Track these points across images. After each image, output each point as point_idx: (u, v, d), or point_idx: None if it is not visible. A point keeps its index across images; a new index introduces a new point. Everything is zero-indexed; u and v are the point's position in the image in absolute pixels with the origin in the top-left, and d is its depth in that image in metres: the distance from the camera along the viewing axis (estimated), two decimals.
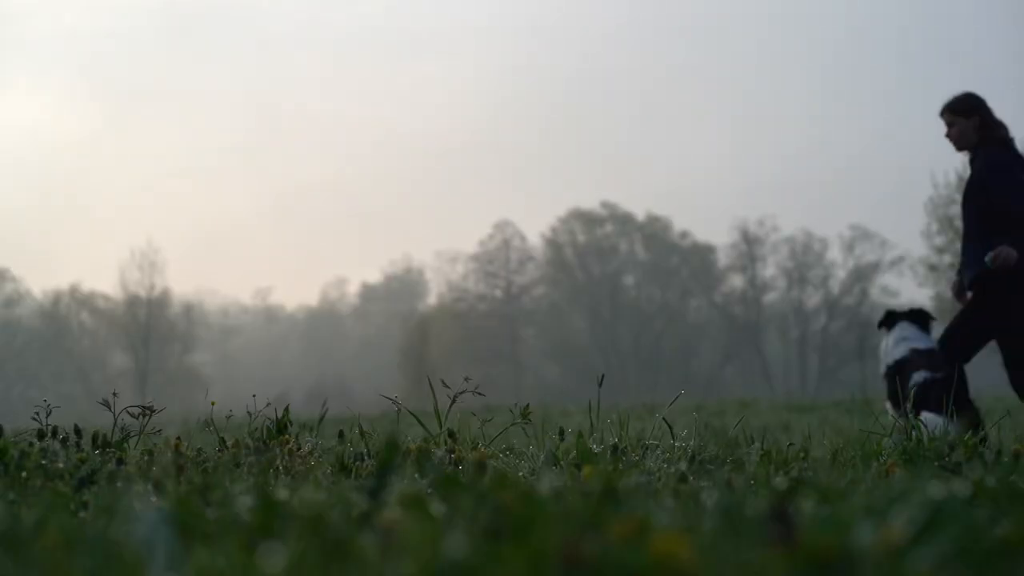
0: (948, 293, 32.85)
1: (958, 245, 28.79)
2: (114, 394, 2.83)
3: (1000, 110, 5.25)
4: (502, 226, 57.22)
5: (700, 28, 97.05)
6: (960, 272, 5.26)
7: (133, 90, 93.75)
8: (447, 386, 3.85)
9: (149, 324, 50.37)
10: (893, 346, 5.32)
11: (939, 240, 30.59)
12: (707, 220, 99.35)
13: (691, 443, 3.15)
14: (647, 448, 2.86)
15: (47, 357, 53.29)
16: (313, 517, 1.19)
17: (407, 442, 2.99)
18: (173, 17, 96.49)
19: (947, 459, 2.48)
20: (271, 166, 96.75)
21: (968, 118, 5.09)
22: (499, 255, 56.91)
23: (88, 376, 53.98)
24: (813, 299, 57.78)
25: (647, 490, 1.72)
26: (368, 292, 75.03)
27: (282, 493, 1.37)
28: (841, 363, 53.14)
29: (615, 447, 2.63)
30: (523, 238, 57.29)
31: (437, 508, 1.23)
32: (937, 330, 5.47)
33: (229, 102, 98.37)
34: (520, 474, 2.41)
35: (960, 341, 5.09)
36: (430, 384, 4.33)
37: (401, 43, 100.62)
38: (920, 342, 5.29)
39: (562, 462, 2.52)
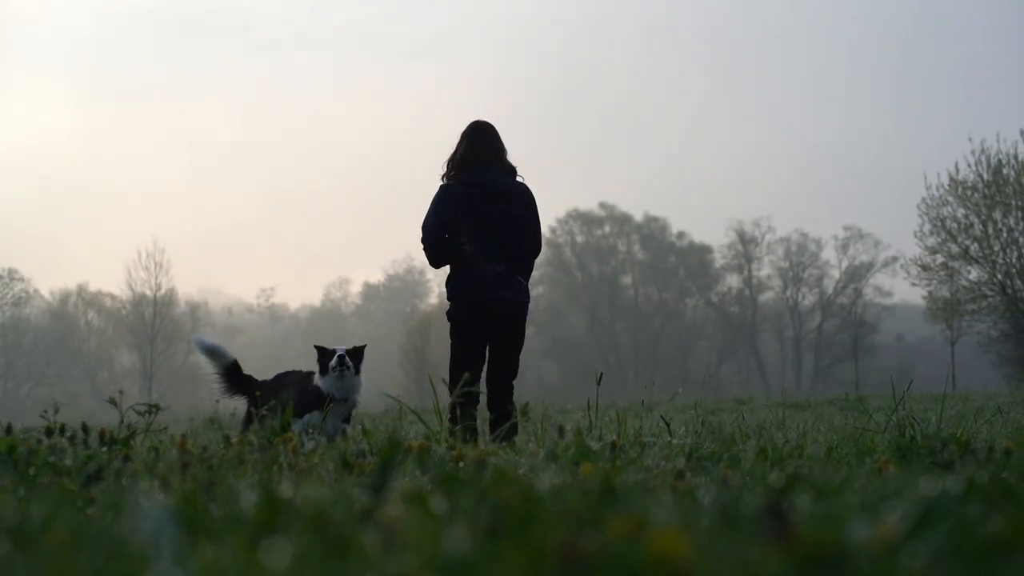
0: (940, 293, 32.48)
1: (951, 245, 28.60)
2: (120, 392, 2.84)
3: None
4: None
5: (698, 31, 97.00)
6: None
7: (140, 91, 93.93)
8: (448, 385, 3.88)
9: (155, 323, 50.42)
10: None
11: (931, 240, 30.60)
12: (704, 221, 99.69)
13: (688, 440, 3.17)
14: (645, 445, 2.88)
15: (55, 356, 53.43)
16: (316, 514, 1.20)
17: (408, 439, 3.00)
18: (179, 19, 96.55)
19: (940, 455, 2.49)
20: (275, 167, 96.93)
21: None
22: None
23: (95, 374, 54.14)
24: (808, 299, 57.97)
25: (645, 487, 1.74)
26: (370, 292, 75.08)
27: (285, 490, 1.38)
28: (835, 362, 53.22)
29: (613, 444, 2.64)
30: None
31: (438, 505, 1.25)
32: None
33: (233, 103, 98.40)
34: (520, 471, 2.42)
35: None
36: (431, 382, 4.35)
37: (402, 45, 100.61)
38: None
39: (561, 459, 2.53)
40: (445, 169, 5.38)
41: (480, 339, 5.22)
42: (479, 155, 5.29)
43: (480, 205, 5.20)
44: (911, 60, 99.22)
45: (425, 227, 5.24)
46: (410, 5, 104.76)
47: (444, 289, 5.40)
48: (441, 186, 5.32)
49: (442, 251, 5.25)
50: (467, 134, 5.37)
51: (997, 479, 1.59)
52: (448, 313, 5.30)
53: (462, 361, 5.17)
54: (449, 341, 5.32)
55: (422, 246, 5.29)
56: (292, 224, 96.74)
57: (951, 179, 30.00)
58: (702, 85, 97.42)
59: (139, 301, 51.36)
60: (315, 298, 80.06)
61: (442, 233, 5.21)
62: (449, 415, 4.26)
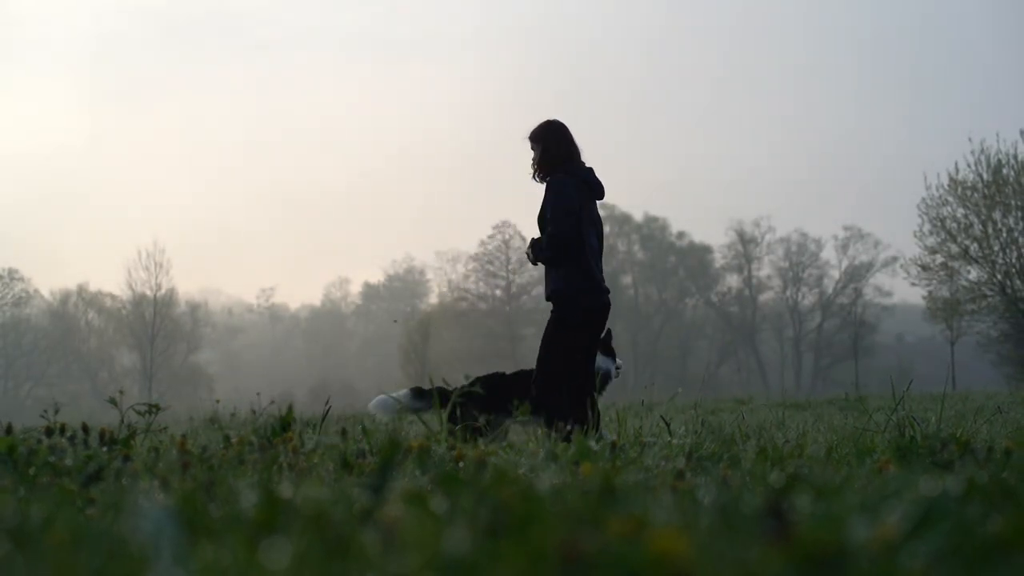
0: (940, 293, 32.30)
1: (950, 245, 28.61)
2: (120, 392, 2.85)
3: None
4: (502, 227, 57.27)
5: (699, 32, 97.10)
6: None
7: (140, 91, 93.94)
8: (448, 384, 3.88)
9: (155, 323, 50.52)
10: None
11: (931, 240, 30.63)
12: (704, 221, 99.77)
13: (688, 440, 3.17)
14: (645, 445, 2.88)
15: (55, 356, 53.46)
16: (316, 514, 1.20)
17: (408, 439, 3.00)
18: (180, 20, 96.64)
19: (940, 455, 2.49)
20: (275, 167, 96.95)
21: (537, 144, 5.25)
22: (499, 255, 56.86)
23: (95, 374, 54.14)
24: (808, 299, 58.03)
25: (645, 487, 1.74)
26: (370, 291, 75.10)
27: (285, 490, 1.38)
28: (835, 361, 53.27)
29: (613, 444, 2.64)
30: (523, 238, 57.25)
31: (438, 505, 1.25)
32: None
33: (233, 103, 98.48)
34: (520, 471, 2.42)
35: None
36: (431, 382, 4.35)
37: (403, 46, 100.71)
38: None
39: (561, 459, 2.54)
40: (538, 168, 5.22)
41: (587, 337, 5.12)
42: (574, 152, 5.21)
43: (587, 203, 5.14)
44: (911, 60, 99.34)
45: (562, 218, 4.97)
46: (411, 5, 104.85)
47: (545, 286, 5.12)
48: (562, 178, 5.07)
49: (573, 245, 5.00)
50: (555, 132, 5.24)
51: (997, 479, 1.59)
52: (562, 311, 5.11)
53: (571, 359, 5.06)
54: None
55: (555, 239, 4.98)
56: (292, 224, 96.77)
57: (951, 179, 30.04)
58: (702, 85, 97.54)
59: (139, 301, 51.44)
60: (315, 298, 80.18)
61: (577, 225, 4.99)
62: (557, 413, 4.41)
